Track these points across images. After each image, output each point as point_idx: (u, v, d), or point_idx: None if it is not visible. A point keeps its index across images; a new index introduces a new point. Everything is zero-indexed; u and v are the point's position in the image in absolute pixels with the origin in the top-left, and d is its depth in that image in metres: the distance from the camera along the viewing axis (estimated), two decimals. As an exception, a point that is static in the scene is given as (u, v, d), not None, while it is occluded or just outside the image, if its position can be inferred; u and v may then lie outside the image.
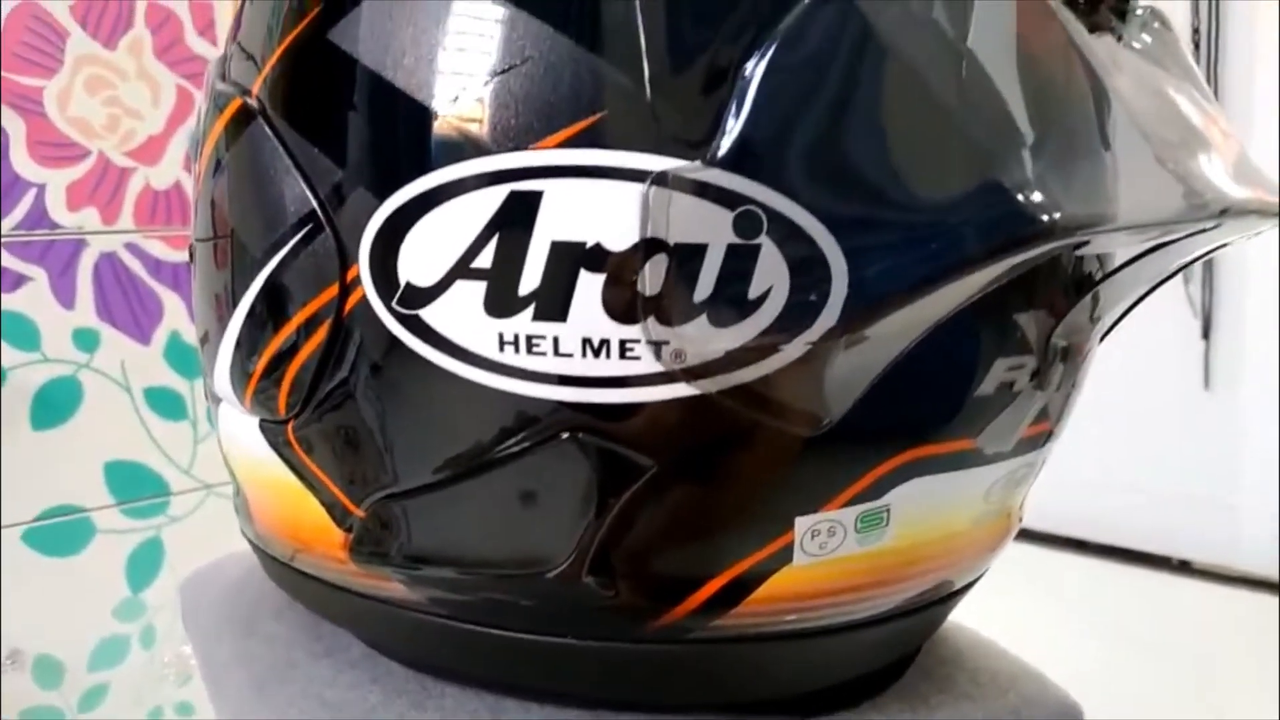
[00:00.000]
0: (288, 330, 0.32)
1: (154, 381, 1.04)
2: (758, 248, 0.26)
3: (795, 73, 0.26)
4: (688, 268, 0.26)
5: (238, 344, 0.34)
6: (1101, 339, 0.35)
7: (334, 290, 0.30)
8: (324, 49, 0.30)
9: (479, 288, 0.28)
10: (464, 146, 0.28)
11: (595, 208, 0.27)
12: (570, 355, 0.28)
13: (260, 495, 0.37)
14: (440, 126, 0.28)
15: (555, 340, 0.28)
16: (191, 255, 0.37)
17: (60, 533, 0.99)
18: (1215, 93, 1.75)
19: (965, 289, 0.27)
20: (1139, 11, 0.32)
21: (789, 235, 0.26)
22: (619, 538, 0.30)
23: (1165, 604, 1.72)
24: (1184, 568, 1.82)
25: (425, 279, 0.29)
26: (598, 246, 0.27)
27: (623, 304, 0.27)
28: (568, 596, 0.30)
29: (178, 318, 1.05)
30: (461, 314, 0.28)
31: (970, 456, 0.31)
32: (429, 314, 0.29)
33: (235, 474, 0.39)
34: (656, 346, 0.27)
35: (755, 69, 0.26)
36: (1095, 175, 0.27)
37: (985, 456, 0.31)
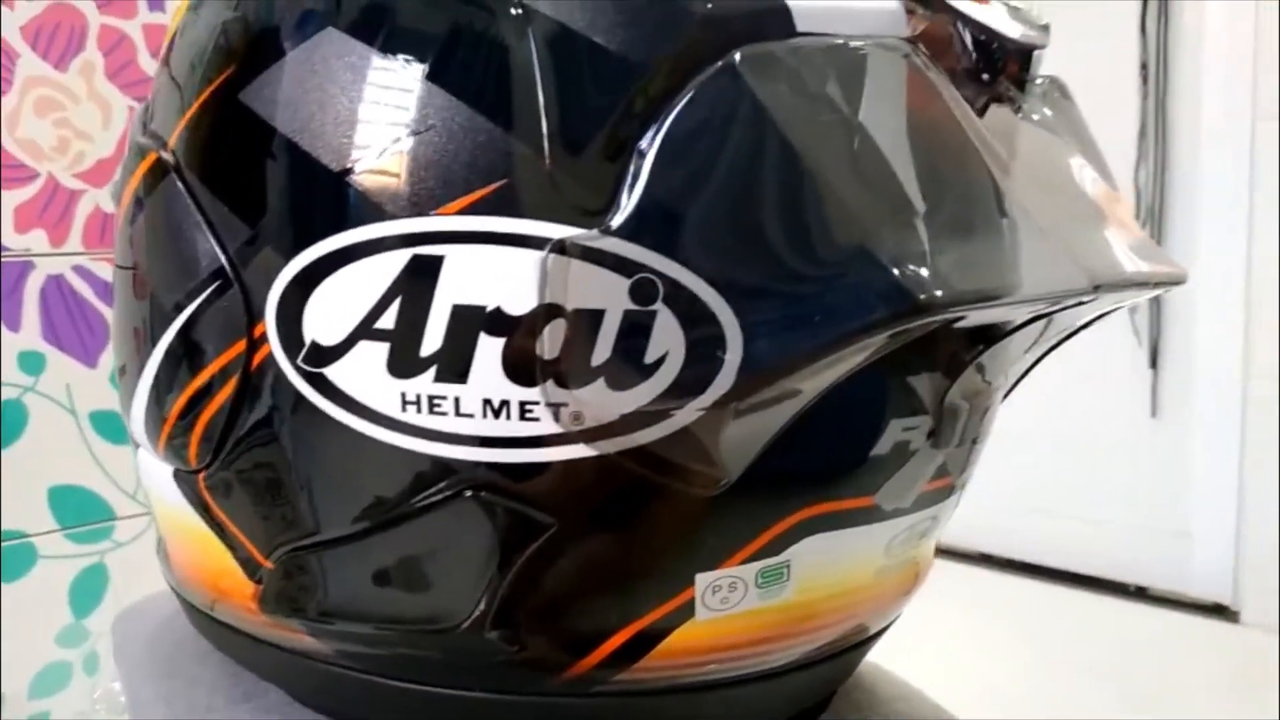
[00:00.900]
0: (199, 380, 0.32)
1: (100, 405, 1.03)
2: (654, 314, 0.27)
3: (688, 147, 0.27)
4: (585, 332, 0.27)
5: (154, 384, 0.34)
6: (1005, 396, 0.36)
7: (242, 345, 0.31)
8: (236, 109, 0.31)
9: (382, 348, 0.28)
10: (369, 210, 0.28)
11: (496, 273, 0.27)
12: (471, 415, 0.28)
13: (178, 543, 0.37)
14: (346, 190, 0.29)
15: (456, 401, 0.28)
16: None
17: (2, 558, 0.98)
18: (1163, 128, 1.78)
19: (856, 356, 0.27)
20: (1039, 82, 0.33)
21: (684, 303, 0.26)
22: (522, 593, 0.30)
23: (1121, 629, 1.73)
24: (1140, 594, 1.84)
25: (330, 338, 0.29)
26: (498, 310, 0.27)
27: (522, 366, 0.27)
28: (474, 650, 0.31)
29: (126, 341, 1.04)
30: (365, 373, 0.29)
31: (869, 513, 0.32)
32: (333, 372, 0.29)
33: (156, 520, 0.39)
34: (555, 408, 0.28)
35: (651, 143, 0.27)
36: (992, 245, 0.27)
37: (884, 512, 0.32)
